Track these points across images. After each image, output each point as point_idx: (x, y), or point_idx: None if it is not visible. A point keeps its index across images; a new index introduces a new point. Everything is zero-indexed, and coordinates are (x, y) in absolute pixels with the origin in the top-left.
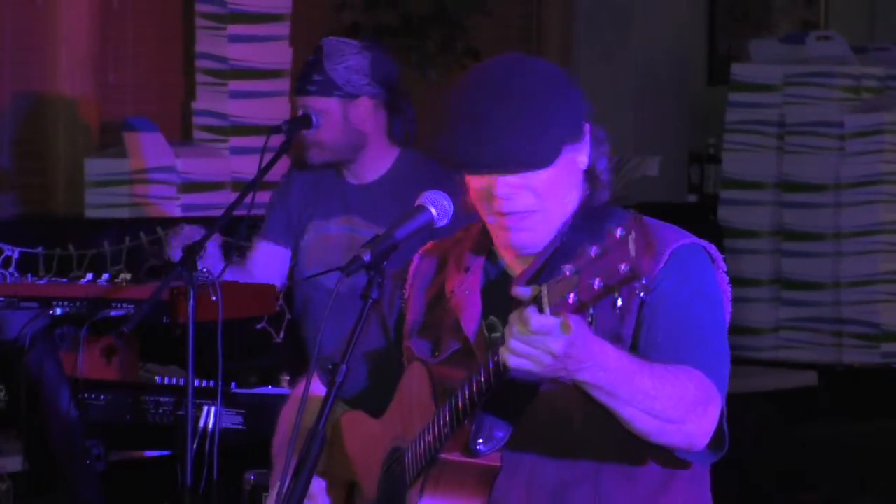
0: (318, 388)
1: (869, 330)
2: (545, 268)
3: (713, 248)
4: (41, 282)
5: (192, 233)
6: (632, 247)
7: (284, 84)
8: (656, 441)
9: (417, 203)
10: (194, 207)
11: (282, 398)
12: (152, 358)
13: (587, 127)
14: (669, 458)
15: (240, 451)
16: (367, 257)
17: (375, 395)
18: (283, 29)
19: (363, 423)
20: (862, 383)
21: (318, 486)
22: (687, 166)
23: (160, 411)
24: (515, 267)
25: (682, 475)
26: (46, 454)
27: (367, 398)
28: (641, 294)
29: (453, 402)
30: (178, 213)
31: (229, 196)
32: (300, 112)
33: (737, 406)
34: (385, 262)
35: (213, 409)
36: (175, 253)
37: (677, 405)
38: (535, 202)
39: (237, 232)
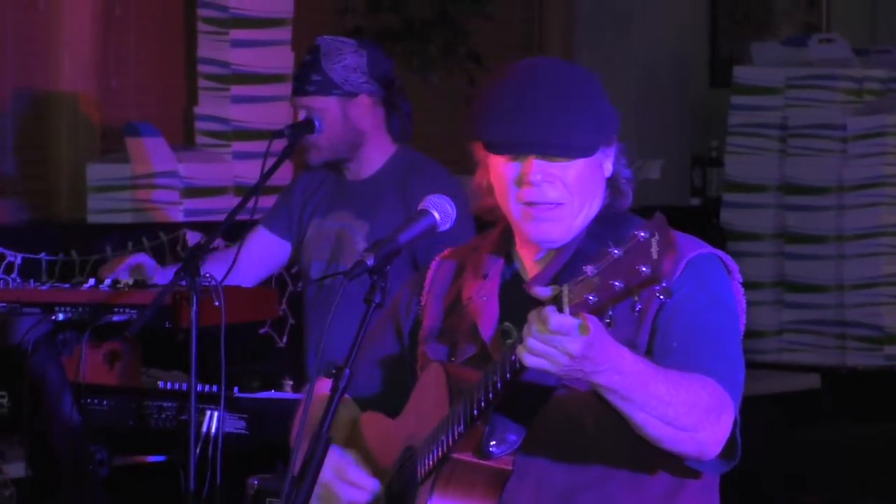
0: (327, 390)
1: (872, 332)
2: (565, 269)
3: (729, 259)
4: (43, 287)
5: (134, 261)
6: (654, 249)
7: (287, 88)
8: (668, 448)
9: (420, 207)
10: (197, 212)
11: (285, 403)
12: (155, 363)
13: (615, 136)
14: (679, 466)
15: (243, 456)
16: (370, 261)
17: (389, 401)
18: (285, 33)
19: (380, 422)
20: (865, 386)
21: (345, 460)
22: (689, 169)
23: (163, 416)
24: (531, 269)
25: (691, 484)
26: (49, 460)
27: (380, 404)
28: (661, 297)
29: (468, 400)
30: (180, 217)
31: (232, 201)
32: (299, 112)
33: (740, 409)
34: (388, 266)
35: (215, 413)
36: (120, 273)
37: (690, 412)
38: (563, 195)
39: (239, 237)
